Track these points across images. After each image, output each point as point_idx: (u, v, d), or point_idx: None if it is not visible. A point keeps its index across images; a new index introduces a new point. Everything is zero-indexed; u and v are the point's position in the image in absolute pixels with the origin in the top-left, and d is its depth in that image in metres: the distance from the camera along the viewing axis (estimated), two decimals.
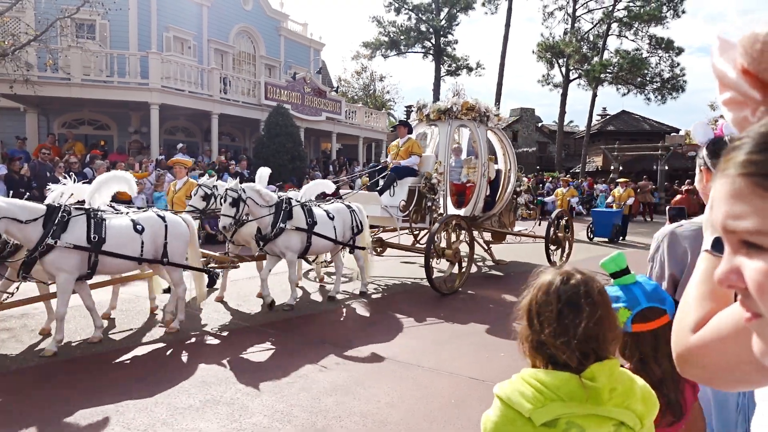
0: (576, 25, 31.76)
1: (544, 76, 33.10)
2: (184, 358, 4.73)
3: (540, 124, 43.25)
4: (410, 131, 8.31)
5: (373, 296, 7.21)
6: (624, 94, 31.90)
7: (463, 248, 7.74)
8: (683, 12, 29.41)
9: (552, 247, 9.28)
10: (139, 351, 4.87)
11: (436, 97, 31.87)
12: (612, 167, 28.46)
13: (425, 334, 5.53)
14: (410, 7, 31.41)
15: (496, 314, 6.31)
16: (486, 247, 8.87)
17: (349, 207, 7.01)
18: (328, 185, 7.64)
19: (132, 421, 3.48)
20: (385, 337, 5.38)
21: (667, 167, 26.28)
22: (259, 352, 4.90)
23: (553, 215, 9.60)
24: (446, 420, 3.60)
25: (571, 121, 45.97)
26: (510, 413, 1.21)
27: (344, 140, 25.86)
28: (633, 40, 31.52)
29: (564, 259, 9.40)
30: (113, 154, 15.46)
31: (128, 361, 4.63)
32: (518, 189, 9.22)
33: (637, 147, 29.12)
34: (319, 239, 6.46)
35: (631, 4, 30.22)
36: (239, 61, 23.04)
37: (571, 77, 31.45)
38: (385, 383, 4.19)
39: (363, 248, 7.02)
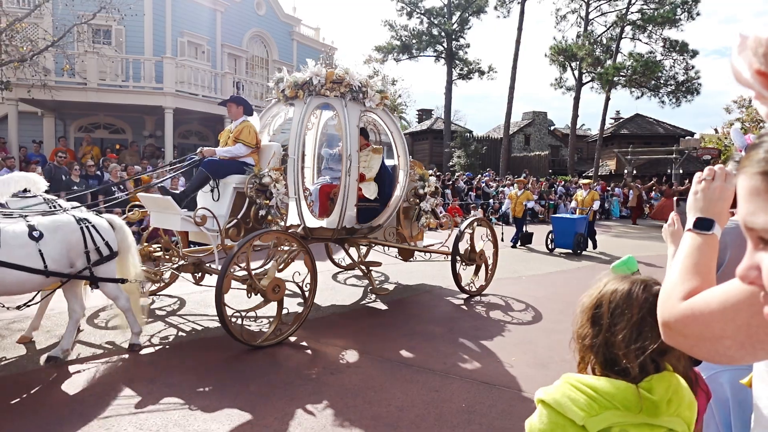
0: (589, 28, 31.57)
1: (556, 79, 32.91)
2: (192, 360, 4.74)
3: (552, 128, 43.08)
4: (248, 111, 6.16)
5: (384, 299, 7.05)
6: (638, 98, 31.62)
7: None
8: (698, 14, 29.11)
9: (462, 266, 7.22)
10: (161, 352, 4.92)
11: (448, 102, 31.87)
12: (625, 171, 28.24)
13: (436, 338, 5.51)
14: (422, 11, 31.44)
15: (507, 320, 6.28)
16: (364, 270, 6.98)
17: (83, 220, 4.63)
18: (30, 180, 4.82)
19: (145, 422, 3.53)
20: (395, 341, 5.37)
21: (681, 171, 26.03)
22: (269, 355, 4.92)
23: (464, 224, 7.31)
24: (457, 424, 3.58)
25: (584, 125, 45.74)
26: (560, 420, 1.18)
27: None
28: (647, 43, 31.26)
29: (484, 282, 7.49)
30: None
31: (129, 365, 4.68)
32: (422, 191, 7.14)
33: (651, 150, 28.88)
34: (4, 271, 4.07)
35: (644, 6, 29.98)
36: (252, 66, 23.23)
37: (584, 80, 31.25)
38: (396, 387, 4.19)
39: (122, 281, 4.84)
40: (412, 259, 7.81)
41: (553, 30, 78.17)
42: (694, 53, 30.33)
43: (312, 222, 6.23)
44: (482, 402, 3.94)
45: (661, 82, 30.77)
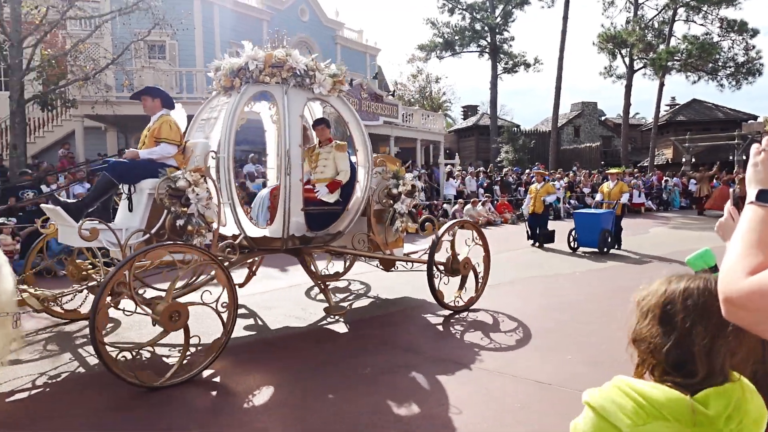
0: (639, 12, 30.51)
1: (606, 68, 31.99)
2: (242, 364, 4.70)
3: (603, 118, 41.83)
4: (167, 103, 5.29)
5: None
6: (694, 82, 30.33)
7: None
8: None
9: (441, 278, 6.23)
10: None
11: (494, 97, 31.50)
12: (683, 159, 27.11)
13: (488, 336, 5.44)
14: (464, 7, 31.20)
15: (561, 316, 6.14)
16: (321, 286, 5.89)
17: None
18: None
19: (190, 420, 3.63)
20: (447, 340, 5.33)
21: (745, 157, 24.72)
22: (320, 354, 4.92)
23: (441, 230, 6.29)
24: (511, 425, 3.50)
25: (637, 113, 44.16)
26: (604, 425, 1.12)
27: (402, 143, 26.00)
28: (702, 24, 29.95)
29: (474, 294, 6.45)
30: None
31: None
32: (395, 191, 6.16)
33: (710, 137, 27.60)
34: None
35: None
36: None
37: (636, 67, 30.22)
38: (449, 386, 4.14)
39: None
40: (393, 269, 6.81)
41: (600, 17, 75.81)
42: (755, 32, 28.83)
43: (254, 231, 5.43)
44: (538, 401, 3.84)
45: (719, 64, 29.41)
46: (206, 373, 4.35)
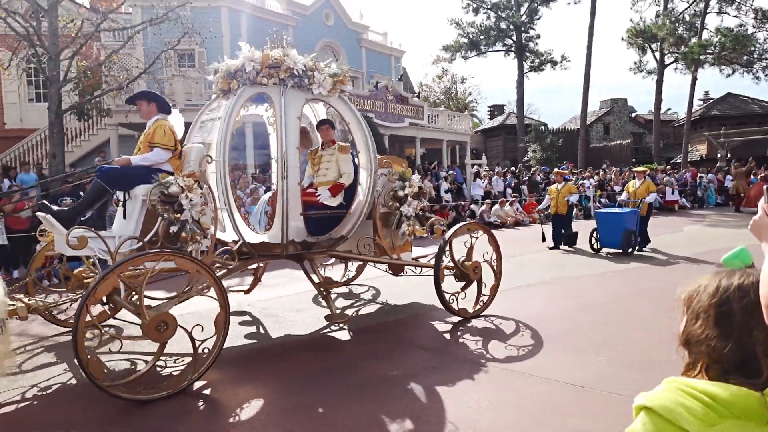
0: (669, 5, 29.88)
1: (635, 63, 31.37)
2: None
3: (634, 115, 41.03)
4: (163, 108, 5.08)
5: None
6: (728, 75, 29.49)
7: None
8: None
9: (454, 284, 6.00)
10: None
11: (521, 96, 31.21)
12: (718, 155, 26.39)
13: (516, 337, 5.36)
14: (489, 6, 31.02)
15: (586, 317, 6.03)
16: (323, 292, 5.65)
17: None
18: None
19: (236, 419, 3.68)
20: (475, 341, 5.26)
21: None
22: (348, 357, 4.89)
23: (449, 232, 6.04)
24: (542, 428, 3.44)
25: (669, 109, 43.15)
26: (669, 428, 1.07)
27: (428, 144, 26.00)
28: (735, 16, 29.18)
29: (484, 301, 6.15)
30: None
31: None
32: (401, 193, 5.94)
33: (746, 131, 26.81)
34: None
35: None
36: None
37: (667, 62, 29.57)
38: (478, 387, 4.09)
39: None
40: (402, 274, 6.55)
41: (629, 11, 74.34)
42: None
43: (252, 237, 5.25)
44: (569, 404, 3.76)
45: (755, 56, 28.54)
46: (198, 384, 4.20)
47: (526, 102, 32.78)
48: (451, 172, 20.51)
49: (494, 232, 6.57)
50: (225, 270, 4.87)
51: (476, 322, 5.89)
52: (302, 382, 4.29)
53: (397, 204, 5.96)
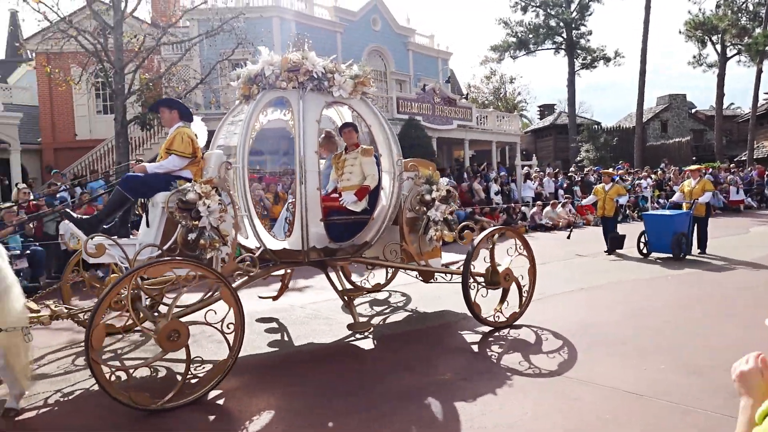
0: None
1: (695, 56, 30.18)
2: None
3: (693, 111, 39.29)
4: (185, 116, 5.05)
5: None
6: None
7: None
8: None
9: (481, 290, 5.72)
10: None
11: (572, 94, 30.51)
12: None
13: (571, 342, 5.17)
14: (537, 4, 30.52)
15: (637, 324, 5.79)
16: (346, 299, 5.44)
17: None
18: None
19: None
20: (527, 346, 5.14)
21: None
22: (398, 360, 4.82)
23: (478, 237, 5.78)
24: None
25: (732, 104, 41.01)
26: None
27: (477, 146, 25.82)
28: None
29: (518, 309, 5.88)
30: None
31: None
32: (428, 197, 5.76)
33: None
34: None
35: None
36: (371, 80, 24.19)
37: (729, 54, 28.22)
38: (531, 394, 3.97)
39: None
40: (433, 281, 6.34)
41: (687, 3, 71.23)
42: None
43: (273, 243, 5.17)
44: (627, 413, 3.62)
45: None
46: (212, 394, 4.14)
47: (577, 100, 32.03)
48: (503, 173, 20.31)
49: (545, 234, 6.28)
50: (246, 277, 4.81)
51: (514, 331, 5.69)
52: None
53: (424, 208, 5.79)
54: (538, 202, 17.21)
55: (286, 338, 5.80)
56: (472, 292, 5.58)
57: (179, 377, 4.06)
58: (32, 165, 18.50)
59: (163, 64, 15.98)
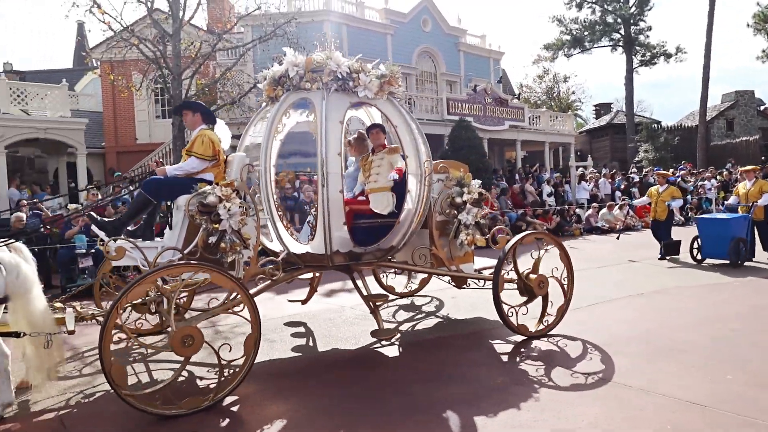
0: None
1: (763, 51, 28.42)
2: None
3: (762, 108, 37.04)
4: (208, 118, 5.09)
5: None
6: None
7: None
8: None
9: (514, 298, 5.48)
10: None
11: (630, 93, 29.40)
12: None
13: (632, 349, 5.01)
14: (594, 0, 29.60)
15: (716, 329, 5.50)
16: (372, 306, 5.19)
17: None
18: None
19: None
20: (585, 352, 4.99)
21: None
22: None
23: (511, 242, 5.48)
24: None
25: None
26: None
27: (529, 147, 25.29)
28: None
29: (555, 317, 5.60)
30: None
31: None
32: (459, 200, 5.59)
33: None
34: None
35: None
36: (421, 81, 24.11)
37: None
38: (588, 402, 3.87)
39: (14, 334, 3.97)
40: (465, 286, 6.16)
41: None
42: None
43: (297, 247, 5.12)
44: (691, 424, 3.47)
45: None
46: (229, 399, 4.10)
47: (635, 99, 30.89)
48: (556, 174, 19.79)
49: (601, 237, 5.99)
50: (269, 281, 4.75)
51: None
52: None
53: (455, 211, 5.61)
54: (594, 205, 16.63)
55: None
56: (506, 301, 5.36)
57: (196, 382, 4.05)
58: (96, 168, 19.45)
59: (218, 70, 16.45)
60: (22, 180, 15.36)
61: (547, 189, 17.59)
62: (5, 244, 4.22)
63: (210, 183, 4.63)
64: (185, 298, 4.65)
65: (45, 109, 15.67)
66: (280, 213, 5.21)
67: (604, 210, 16.36)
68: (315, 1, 20.93)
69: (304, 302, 6.41)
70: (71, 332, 4.32)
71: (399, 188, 5.43)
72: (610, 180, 19.59)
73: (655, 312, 6.45)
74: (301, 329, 6.21)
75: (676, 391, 3.97)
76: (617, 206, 16.54)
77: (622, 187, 19.20)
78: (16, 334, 3.90)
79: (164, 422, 3.77)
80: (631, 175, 21.50)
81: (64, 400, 4.29)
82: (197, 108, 5.11)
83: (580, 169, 19.87)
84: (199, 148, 4.76)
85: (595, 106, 40.23)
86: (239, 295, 4.12)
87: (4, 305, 3.96)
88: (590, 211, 16.35)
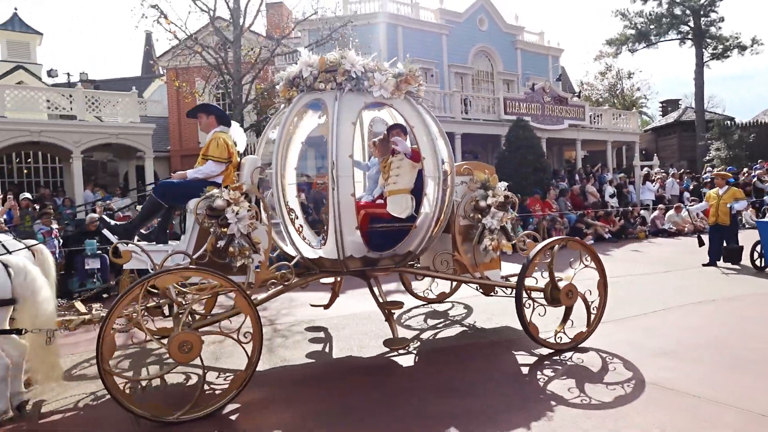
0: None
1: None
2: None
3: None
4: (222, 120, 5.03)
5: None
6: None
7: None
8: None
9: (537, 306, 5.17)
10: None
11: (700, 88, 27.87)
12: None
13: (704, 357, 4.81)
14: None
15: (763, 343, 5.16)
16: (386, 314, 5.00)
17: None
18: None
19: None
20: (652, 358, 4.81)
21: None
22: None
23: (536, 249, 5.18)
24: None
25: None
26: None
27: (590, 146, 24.43)
28: None
29: (585, 329, 5.28)
30: None
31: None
32: (483, 203, 5.36)
33: None
34: None
35: None
36: (478, 81, 23.80)
37: None
38: (655, 412, 3.76)
39: (17, 331, 3.95)
40: (493, 294, 5.90)
41: None
42: None
43: (310, 252, 5.02)
44: None
45: None
46: (232, 406, 4.03)
47: (706, 94, 29.24)
48: (620, 174, 19.02)
49: (668, 240, 5.71)
50: (281, 286, 4.71)
51: (656, 333, 5.35)
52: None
53: (479, 215, 5.40)
54: (660, 206, 15.86)
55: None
56: (536, 309, 5.12)
57: (196, 389, 3.98)
58: (162, 171, 20.38)
59: (277, 74, 16.83)
60: (95, 183, 16.31)
61: (609, 190, 16.94)
62: (27, 248, 4.37)
63: (218, 186, 4.62)
64: (204, 303, 4.68)
65: (116, 115, 16.60)
66: (293, 216, 5.11)
67: (672, 212, 15.57)
68: (371, 4, 21.08)
69: (326, 307, 6.36)
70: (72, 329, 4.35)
71: (418, 191, 5.25)
72: (678, 180, 18.63)
73: (719, 319, 6.18)
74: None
75: (752, 404, 3.81)
76: (685, 208, 15.72)
77: (691, 187, 18.21)
78: (18, 332, 3.93)
79: (166, 426, 3.77)
80: (705, 175, 20.36)
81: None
82: (211, 110, 5.06)
83: (645, 168, 19.00)
84: (214, 151, 4.75)
85: (662, 102, 38.35)
86: (239, 302, 4.04)
87: (12, 307, 3.98)
88: (656, 213, 15.60)
